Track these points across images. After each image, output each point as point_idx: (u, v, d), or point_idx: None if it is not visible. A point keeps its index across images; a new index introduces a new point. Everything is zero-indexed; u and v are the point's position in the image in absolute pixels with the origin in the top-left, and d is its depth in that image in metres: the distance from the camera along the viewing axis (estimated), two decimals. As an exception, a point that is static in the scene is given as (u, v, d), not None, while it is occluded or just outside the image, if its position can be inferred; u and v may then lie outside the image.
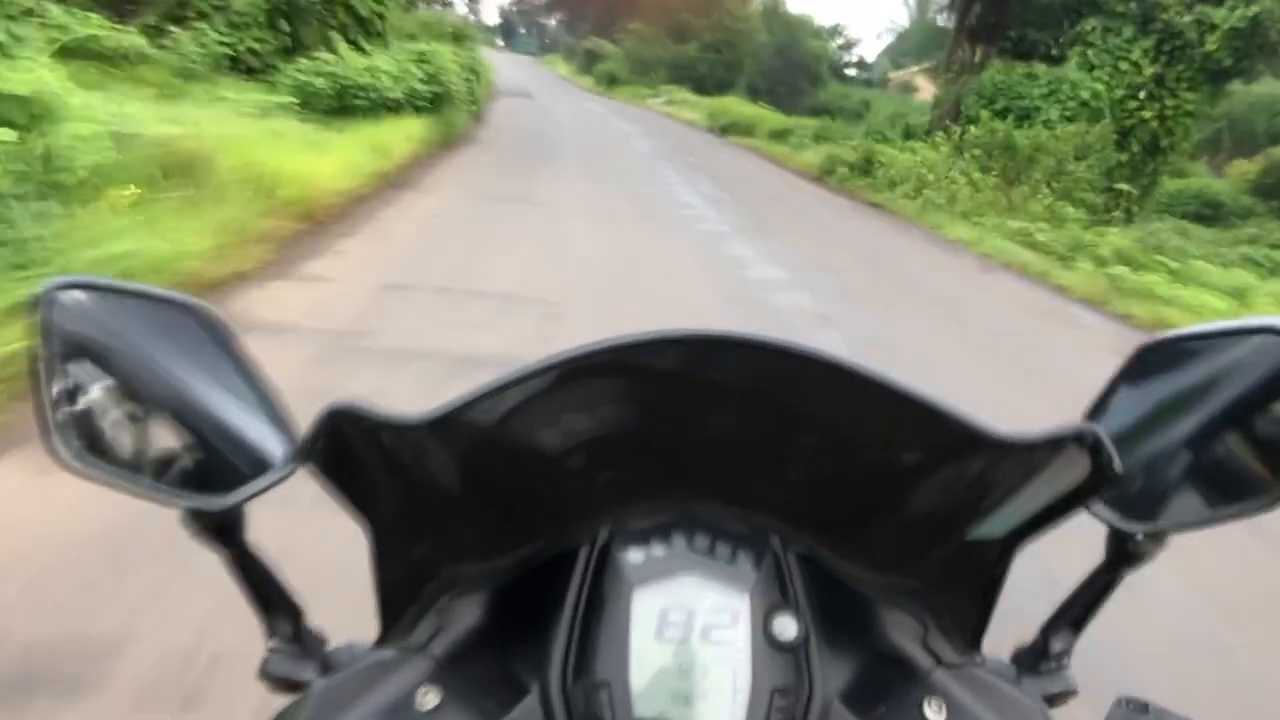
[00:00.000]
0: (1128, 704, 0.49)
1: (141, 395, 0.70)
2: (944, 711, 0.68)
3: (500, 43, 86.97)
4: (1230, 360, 0.72)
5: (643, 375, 0.63)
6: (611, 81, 50.64)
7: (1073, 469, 0.61)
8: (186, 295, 0.73)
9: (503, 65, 45.30)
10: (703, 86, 44.51)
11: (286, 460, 0.70)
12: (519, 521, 0.72)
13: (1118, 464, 0.59)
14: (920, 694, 0.69)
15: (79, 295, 0.69)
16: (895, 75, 55.11)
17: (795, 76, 43.65)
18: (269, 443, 0.73)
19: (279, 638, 0.79)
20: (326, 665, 0.76)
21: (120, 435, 0.70)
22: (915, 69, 50.26)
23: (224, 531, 0.74)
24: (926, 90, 37.97)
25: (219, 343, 0.72)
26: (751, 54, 46.34)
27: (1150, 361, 0.77)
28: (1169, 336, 0.76)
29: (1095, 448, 0.58)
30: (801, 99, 40.43)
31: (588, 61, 58.85)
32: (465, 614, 0.74)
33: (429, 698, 0.68)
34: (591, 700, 0.65)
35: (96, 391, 0.69)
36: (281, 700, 0.76)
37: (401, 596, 0.73)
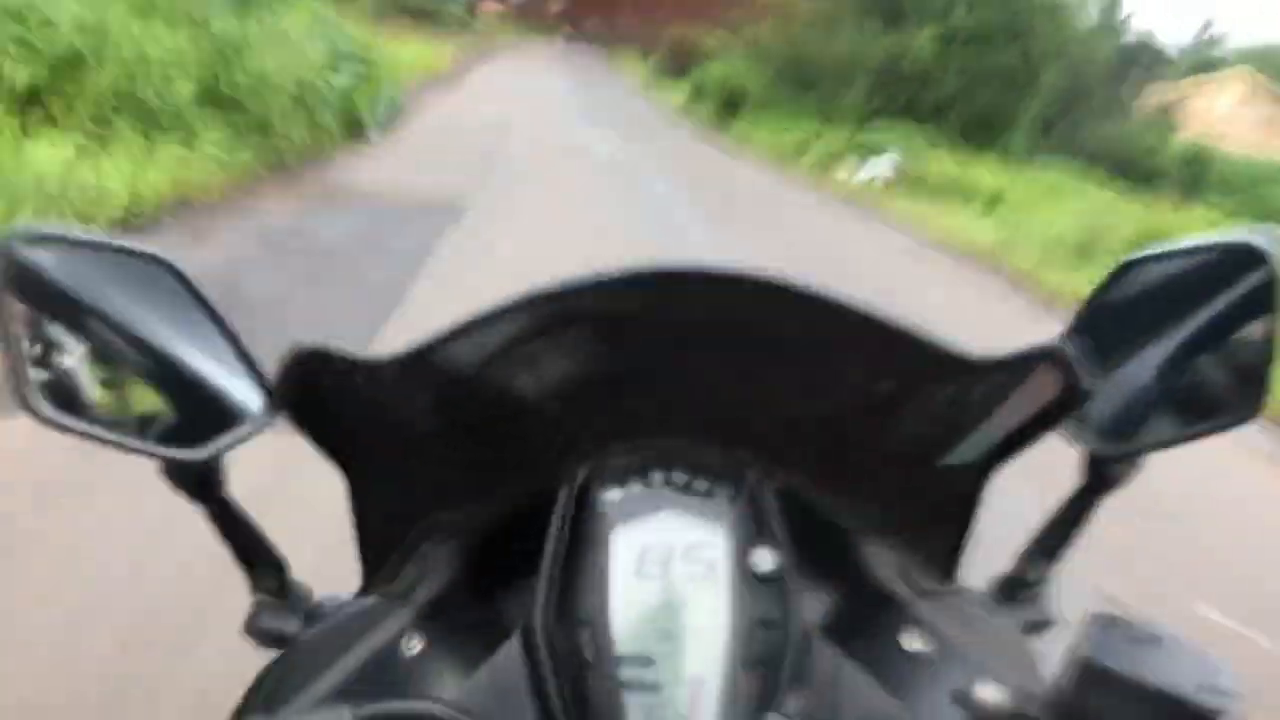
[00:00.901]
0: (1100, 619, 0.49)
1: (114, 349, 0.70)
2: (923, 641, 0.69)
3: (566, 34, 71.96)
4: (1205, 278, 0.72)
5: (616, 311, 0.63)
6: (731, 107, 22.84)
7: (1043, 388, 0.61)
8: (149, 246, 0.72)
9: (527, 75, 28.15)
10: (940, 120, 20.02)
11: (261, 410, 0.70)
12: (496, 464, 0.72)
13: (1086, 380, 0.59)
14: (899, 624, 0.70)
15: (43, 247, 0.68)
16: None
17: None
18: (244, 392, 0.73)
19: (263, 591, 0.79)
20: (311, 617, 0.76)
21: (95, 389, 0.69)
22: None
23: (203, 485, 0.73)
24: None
25: (186, 293, 0.72)
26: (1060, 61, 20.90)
27: (1126, 279, 0.77)
28: (1145, 255, 0.76)
29: (1064, 365, 0.58)
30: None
31: (674, 62, 32.37)
32: (446, 559, 0.74)
33: (413, 644, 0.69)
34: (574, 640, 0.65)
35: (70, 345, 0.68)
36: (269, 654, 0.76)
37: (382, 544, 0.73)
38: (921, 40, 20.16)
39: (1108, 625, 0.49)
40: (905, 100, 20.09)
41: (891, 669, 0.66)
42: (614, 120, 18.95)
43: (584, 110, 19.81)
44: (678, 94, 28.55)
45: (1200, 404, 0.73)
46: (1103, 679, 0.47)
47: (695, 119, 23.61)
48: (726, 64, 26.45)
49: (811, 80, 21.87)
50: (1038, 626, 0.78)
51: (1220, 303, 0.72)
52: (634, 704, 0.63)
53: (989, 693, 0.52)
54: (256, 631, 0.77)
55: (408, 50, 19.65)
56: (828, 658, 0.65)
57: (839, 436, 0.69)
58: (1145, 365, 0.74)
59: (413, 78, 16.51)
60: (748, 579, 0.66)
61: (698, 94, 26.13)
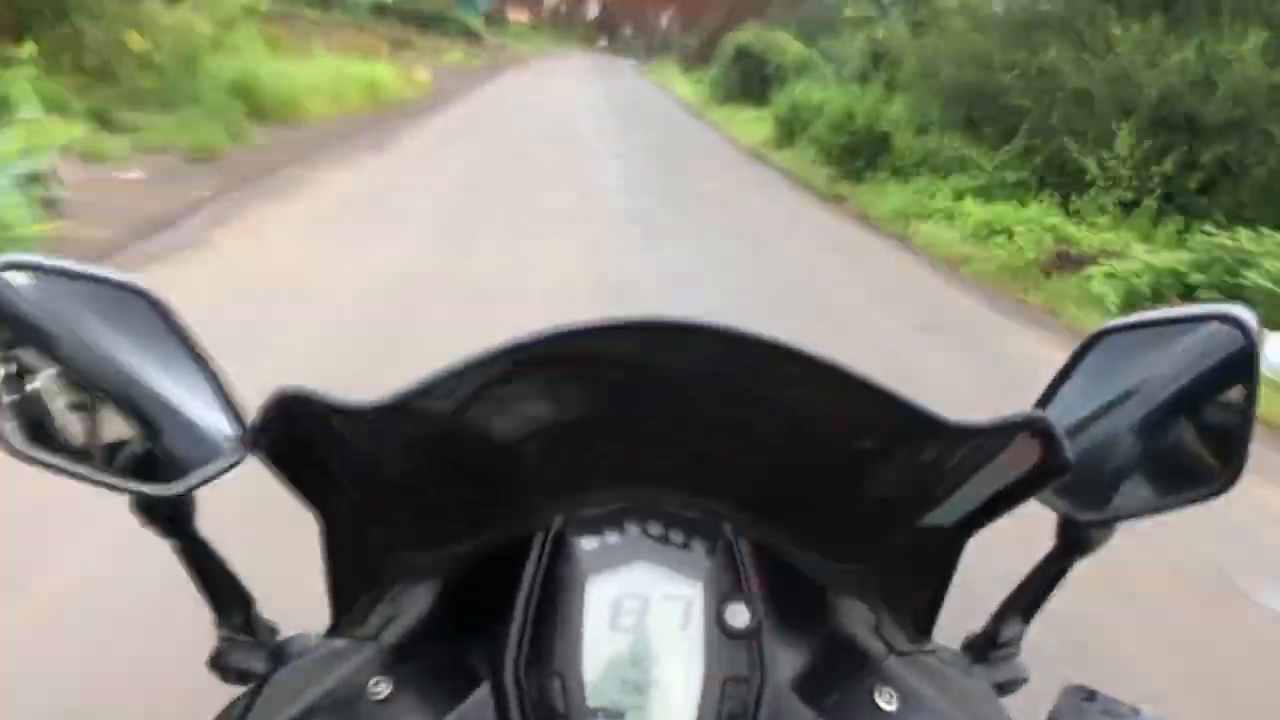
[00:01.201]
0: (1076, 692, 0.49)
1: (88, 380, 0.69)
2: (895, 700, 0.68)
3: (603, 43, 71.27)
4: (1182, 347, 0.73)
5: (596, 361, 0.63)
6: (852, 156, 13.56)
7: (1023, 457, 0.61)
8: (132, 276, 0.71)
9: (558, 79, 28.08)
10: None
11: (235, 447, 0.70)
12: (471, 509, 0.72)
13: (1068, 452, 0.59)
14: (872, 682, 0.69)
15: (22, 276, 0.68)
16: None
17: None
18: (218, 428, 0.72)
19: (229, 627, 0.78)
20: (278, 655, 0.76)
21: (67, 421, 0.69)
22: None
23: (173, 520, 0.73)
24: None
25: (165, 326, 0.71)
26: None
27: (1101, 348, 0.77)
28: (1120, 324, 0.77)
29: (1045, 435, 0.59)
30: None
31: (740, 76, 24.54)
32: (417, 603, 0.74)
33: (380, 687, 0.68)
34: (545, 690, 0.64)
35: (42, 377, 0.68)
36: (232, 692, 0.75)
37: (353, 585, 0.72)
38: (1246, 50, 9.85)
39: (1084, 697, 0.49)
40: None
41: None
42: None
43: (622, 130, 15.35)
44: (751, 121, 20.02)
45: (1178, 473, 0.73)
46: None
47: (789, 168, 15.10)
48: (825, 85, 17.48)
49: (1006, 115, 12.04)
50: (1009, 686, 0.78)
51: (1199, 372, 0.72)
52: None
53: None
54: (222, 668, 0.76)
55: (354, 68, 14.41)
56: (800, 716, 0.65)
57: (816, 493, 0.69)
58: (1122, 432, 0.75)
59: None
60: (721, 634, 0.65)
61: (786, 130, 16.79)
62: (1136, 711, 0.48)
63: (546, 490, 0.71)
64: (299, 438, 0.62)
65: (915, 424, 0.60)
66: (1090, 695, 0.49)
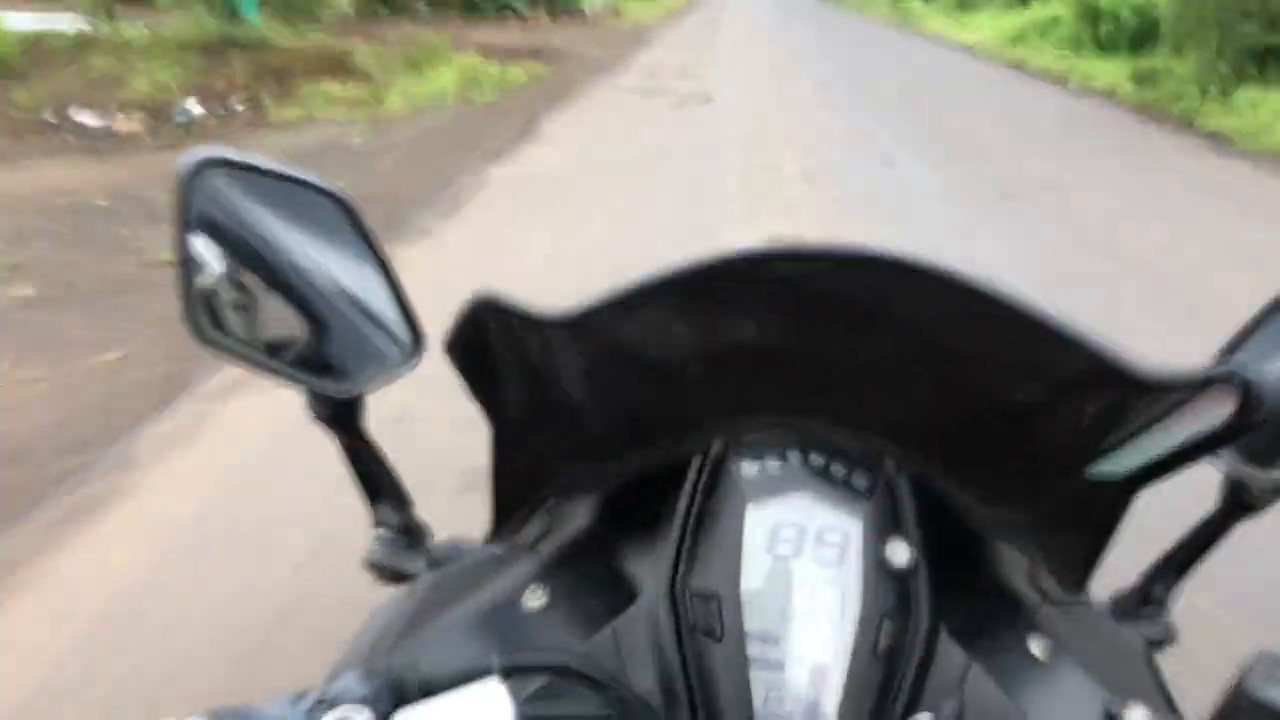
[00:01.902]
0: (1269, 659, 0.48)
1: (274, 277, 0.71)
2: (1049, 648, 0.68)
3: None
4: None
5: (770, 287, 0.62)
6: None
7: (1212, 411, 0.59)
8: (326, 180, 0.73)
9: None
10: None
11: (409, 354, 0.71)
12: (637, 426, 0.72)
13: (1262, 411, 0.57)
14: (1026, 630, 0.69)
15: (220, 172, 0.69)
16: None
17: None
18: (392, 332, 0.74)
19: (385, 527, 0.80)
20: (433, 558, 0.78)
21: (253, 314, 0.71)
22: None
23: (343, 418, 0.75)
24: None
25: (352, 229, 0.73)
26: None
27: None
28: None
29: (1244, 389, 0.57)
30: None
31: None
32: (575, 516, 0.75)
33: (536, 596, 0.69)
34: (701, 609, 0.65)
35: (234, 270, 0.70)
36: (386, 591, 0.78)
37: (515, 494, 0.74)
38: None
39: (1274, 662, 0.48)
40: None
41: (1017, 676, 0.65)
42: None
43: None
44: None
45: None
46: (1267, 717, 0.46)
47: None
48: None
49: None
50: (1159, 644, 0.77)
51: None
52: (757, 681, 0.64)
53: (1137, 715, 0.51)
54: (377, 566, 0.79)
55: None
56: (953, 657, 0.65)
57: (983, 435, 0.68)
58: None
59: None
60: (880, 570, 0.65)
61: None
62: None
63: (710, 413, 0.71)
64: (484, 343, 0.63)
65: (1100, 370, 0.58)
66: (1278, 660, 0.48)
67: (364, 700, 0.52)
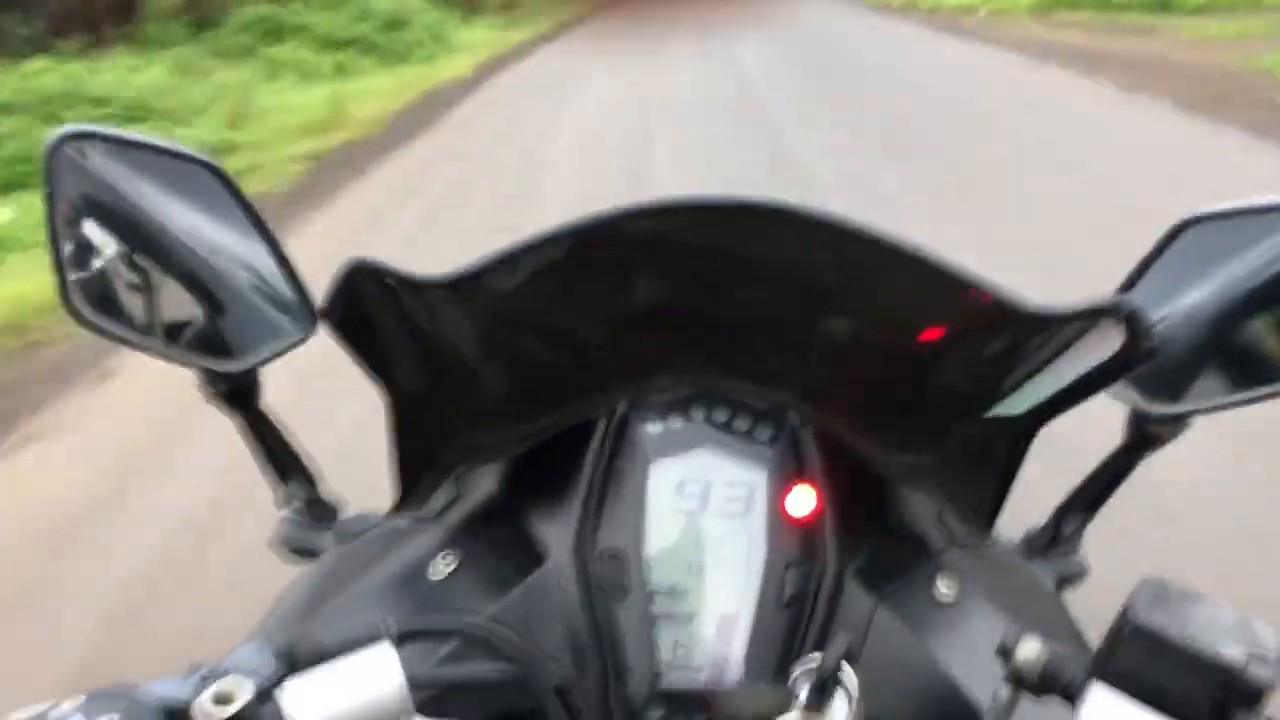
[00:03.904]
0: (1152, 585, 0.49)
1: (155, 254, 0.69)
2: (956, 589, 0.68)
3: None
4: (1271, 240, 0.71)
5: (663, 243, 0.62)
6: None
7: (1103, 344, 0.59)
8: (196, 150, 0.71)
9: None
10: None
11: (303, 322, 0.70)
12: (537, 390, 0.71)
13: (1150, 340, 0.57)
14: (932, 571, 0.69)
15: (89, 146, 0.67)
16: None
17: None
18: (282, 304, 0.72)
19: (293, 505, 0.79)
20: (340, 533, 0.76)
21: (135, 294, 0.69)
22: None
23: (239, 396, 0.73)
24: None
25: (230, 200, 0.71)
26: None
27: (1188, 236, 0.75)
28: (1208, 212, 0.74)
29: (1130, 322, 0.57)
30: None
31: None
32: (481, 484, 0.74)
33: (444, 564, 0.69)
34: (607, 568, 0.65)
35: (111, 248, 0.68)
36: (294, 569, 0.77)
37: (418, 465, 0.73)
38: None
39: (1159, 590, 0.48)
40: None
41: (924, 617, 0.66)
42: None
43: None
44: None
45: (1252, 367, 0.72)
46: (1152, 643, 0.46)
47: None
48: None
49: None
50: (1070, 580, 0.78)
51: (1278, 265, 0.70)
52: (664, 636, 0.64)
53: (1031, 648, 0.51)
54: (285, 544, 0.78)
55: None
56: (860, 602, 0.65)
57: (883, 381, 0.68)
58: (1197, 325, 0.73)
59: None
60: (784, 519, 0.65)
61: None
62: (1212, 604, 0.47)
63: (612, 373, 0.70)
64: (369, 312, 0.62)
65: (990, 309, 0.58)
66: (1164, 587, 0.48)
67: (255, 671, 0.51)
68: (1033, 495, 0.80)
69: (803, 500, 0.66)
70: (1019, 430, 0.68)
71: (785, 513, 0.65)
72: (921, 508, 0.74)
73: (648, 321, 0.68)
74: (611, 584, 0.64)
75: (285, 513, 0.79)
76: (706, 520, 0.65)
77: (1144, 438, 0.75)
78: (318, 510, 0.79)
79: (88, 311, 0.66)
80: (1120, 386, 0.71)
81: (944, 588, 0.68)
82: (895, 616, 0.65)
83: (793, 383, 0.70)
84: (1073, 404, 0.65)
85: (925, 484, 0.73)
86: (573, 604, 0.65)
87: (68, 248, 0.66)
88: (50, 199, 0.65)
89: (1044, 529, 0.80)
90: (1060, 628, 0.69)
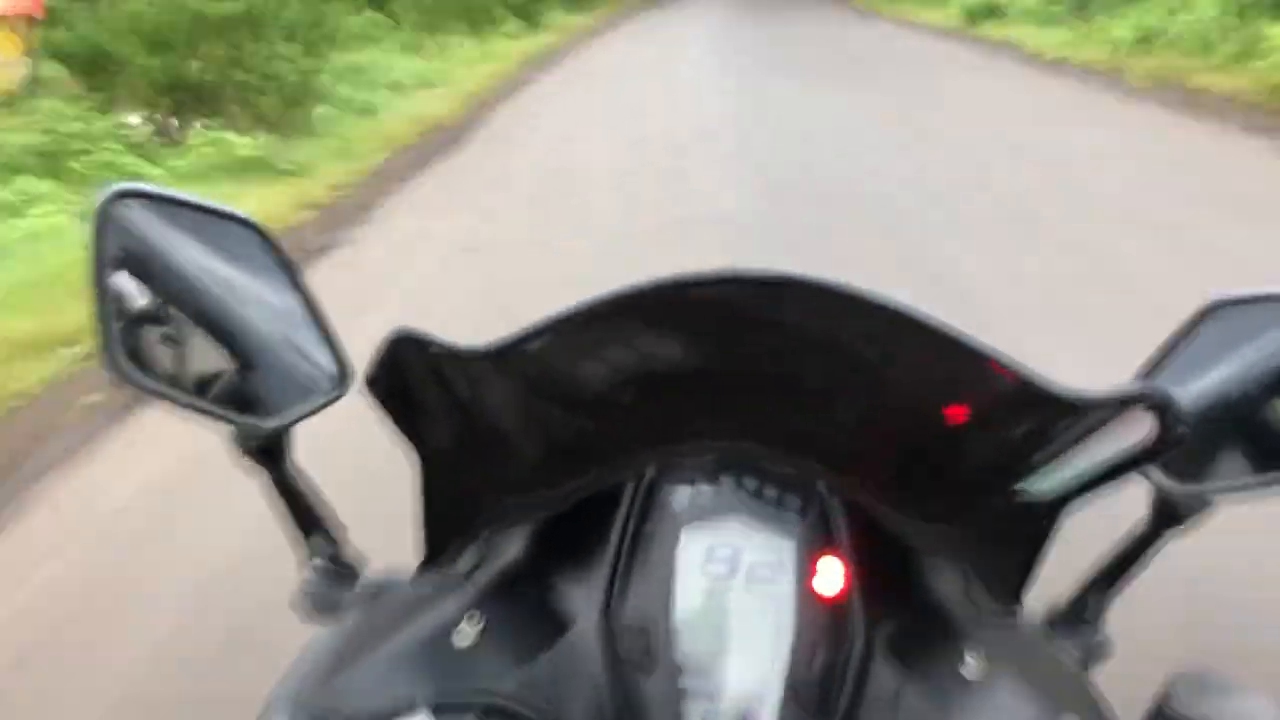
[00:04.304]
0: (1188, 676, 0.49)
1: (192, 310, 0.70)
2: (984, 666, 0.68)
3: None
4: None
5: (698, 313, 0.62)
6: None
7: (1133, 430, 0.60)
8: (240, 210, 0.72)
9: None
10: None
11: (334, 383, 0.70)
12: (567, 455, 0.72)
13: (1182, 428, 0.58)
14: (960, 647, 0.69)
15: (135, 205, 0.68)
16: None
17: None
18: (316, 364, 0.73)
19: (317, 561, 0.79)
20: (365, 591, 0.76)
21: (171, 350, 0.70)
22: None
23: (268, 452, 0.74)
24: None
25: (270, 260, 0.72)
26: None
27: (1213, 320, 0.76)
28: (1230, 298, 0.75)
29: (1162, 409, 0.57)
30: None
31: None
32: (509, 547, 0.74)
33: (469, 628, 0.68)
34: (633, 638, 0.65)
35: (150, 306, 0.69)
36: (318, 625, 0.76)
37: (446, 526, 0.73)
38: None
39: (1198, 682, 0.48)
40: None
41: (952, 695, 0.66)
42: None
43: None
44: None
45: (1278, 450, 0.72)
46: None
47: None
48: None
49: None
50: (1095, 657, 0.77)
51: None
52: (691, 711, 0.63)
53: None
54: (309, 600, 0.78)
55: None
56: (887, 679, 0.65)
57: (913, 455, 0.69)
58: (1224, 408, 0.73)
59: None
60: (812, 593, 0.65)
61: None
62: (1259, 696, 0.48)
63: (642, 438, 0.71)
64: (403, 377, 0.63)
65: (1021, 392, 0.59)
66: (1201, 677, 0.49)
67: None
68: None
69: (831, 573, 0.66)
70: (1048, 508, 0.68)
71: (813, 586, 0.65)
72: (949, 580, 0.74)
73: (679, 387, 0.68)
74: (639, 654, 0.64)
75: (308, 569, 0.79)
76: (735, 591, 0.65)
77: (1168, 516, 0.75)
78: (341, 568, 0.79)
79: (126, 366, 0.67)
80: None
81: (972, 665, 0.68)
82: (923, 695, 0.64)
83: (822, 453, 0.70)
84: (1102, 485, 0.65)
85: (954, 557, 0.73)
86: (599, 674, 0.64)
87: (109, 304, 0.67)
88: (96, 256, 0.66)
89: (1068, 604, 0.80)
90: (1089, 708, 0.69)
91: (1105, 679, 0.74)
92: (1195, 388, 0.74)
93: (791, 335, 0.64)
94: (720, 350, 0.66)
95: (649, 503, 0.69)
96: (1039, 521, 0.69)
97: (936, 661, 0.68)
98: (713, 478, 0.69)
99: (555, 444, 0.71)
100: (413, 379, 0.63)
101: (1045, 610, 0.81)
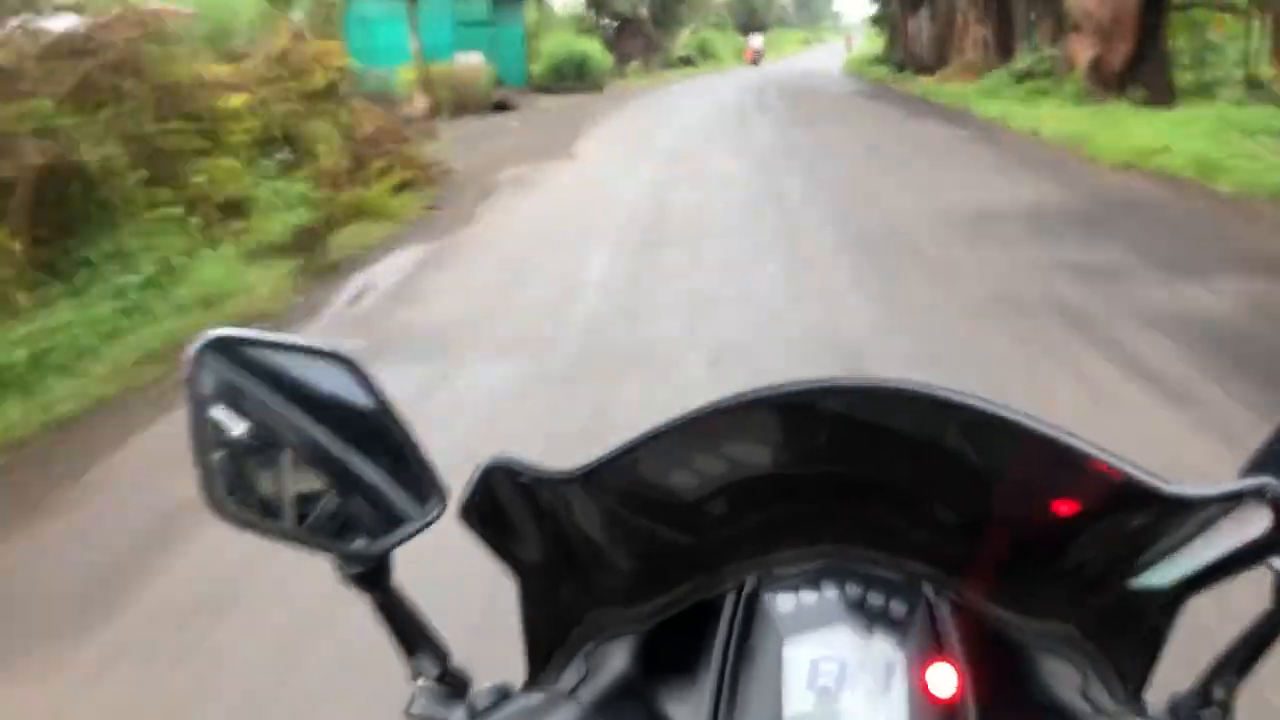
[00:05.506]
0: None
1: (290, 446, 0.72)
2: None
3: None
4: None
5: (793, 421, 0.62)
6: None
7: (1249, 523, 0.58)
8: (331, 344, 0.74)
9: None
10: None
11: (432, 507, 0.71)
12: (666, 567, 0.72)
13: None
14: None
15: (229, 348, 0.70)
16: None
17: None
18: (412, 488, 0.74)
19: (425, 678, 0.79)
20: (473, 708, 0.77)
21: (271, 485, 0.71)
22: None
23: (370, 576, 0.75)
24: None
25: (364, 391, 0.74)
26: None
27: None
28: None
29: (1277, 504, 0.55)
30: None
31: None
32: (612, 660, 0.74)
33: None
34: None
35: (248, 443, 0.70)
36: None
37: (548, 641, 0.73)
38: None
39: None
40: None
41: None
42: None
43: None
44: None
45: None
46: None
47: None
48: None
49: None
50: None
51: None
52: None
53: None
54: (418, 718, 0.78)
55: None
56: None
57: (1020, 555, 0.67)
58: None
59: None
60: (927, 699, 0.64)
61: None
62: None
63: (740, 549, 0.70)
64: (501, 504, 0.63)
65: (1128, 488, 0.58)
66: None
67: None
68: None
69: (944, 678, 0.64)
70: (1166, 601, 0.66)
71: (928, 692, 0.64)
72: (1066, 680, 0.71)
73: (775, 495, 0.68)
74: None
75: (419, 685, 0.79)
76: (845, 700, 0.64)
77: None
78: (450, 683, 0.79)
79: (229, 505, 0.69)
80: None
81: None
82: None
83: (926, 554, 0.69)
84: (1220, 579, 0.63)
85: (1069, 654, 0.71)
86: None
87: (208, 443, 0.69)
88: (193, 399, 0.68)
89: (1192, 694, 0.77)
90: None
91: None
92: None
93: (892, 440, 0.63)
94: (818, 457, 0.65)
95: (750, 613, 0.69)
96: (1156, 617, 0.67)
97: None
98: (815, 585, 0.68)
99: (652, 558, 0.71)
100: (506, 503, 0.64)
101: (1170, 701, 0.78)
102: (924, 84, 24.15)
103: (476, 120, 20.70)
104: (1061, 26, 17.07)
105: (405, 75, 21.51)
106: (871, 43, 51.51)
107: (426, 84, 20.91)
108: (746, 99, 24.28)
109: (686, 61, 45.17)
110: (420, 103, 20.25)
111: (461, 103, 21.80)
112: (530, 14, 33.79)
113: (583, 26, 38.79)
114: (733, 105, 22.67)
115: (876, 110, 19.79)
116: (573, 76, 31.31)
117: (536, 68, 31.52)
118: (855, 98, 23.98)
